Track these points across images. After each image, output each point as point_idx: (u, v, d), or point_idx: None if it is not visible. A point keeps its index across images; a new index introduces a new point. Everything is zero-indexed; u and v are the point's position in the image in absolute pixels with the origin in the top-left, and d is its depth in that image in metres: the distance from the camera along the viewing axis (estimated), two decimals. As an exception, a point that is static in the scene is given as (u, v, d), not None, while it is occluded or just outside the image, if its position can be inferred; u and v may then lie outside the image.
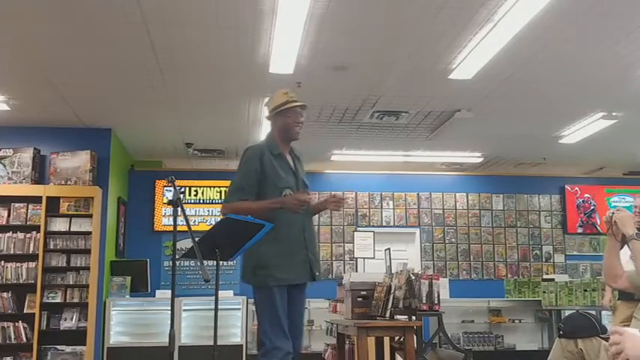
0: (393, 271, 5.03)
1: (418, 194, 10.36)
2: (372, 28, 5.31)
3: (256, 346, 3.59)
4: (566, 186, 10.57)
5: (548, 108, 7.46)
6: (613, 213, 3.00)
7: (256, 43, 5.48)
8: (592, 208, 10.50)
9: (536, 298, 8.98)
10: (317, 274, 3.79)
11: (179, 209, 3.06)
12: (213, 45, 5.61)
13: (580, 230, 10.51)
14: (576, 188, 10.58)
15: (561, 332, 4.13)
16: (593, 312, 5.29)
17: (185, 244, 3.32)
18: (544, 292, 8.32)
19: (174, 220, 3.09)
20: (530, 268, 10.37)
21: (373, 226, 10.00)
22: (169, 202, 3.12)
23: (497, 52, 5.64)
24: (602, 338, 3.95)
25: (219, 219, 3.70)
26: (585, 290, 7.20)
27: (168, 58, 5.89)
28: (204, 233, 3.37)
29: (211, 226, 3.45)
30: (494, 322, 9.11)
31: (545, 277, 9.30)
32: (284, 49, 5.51)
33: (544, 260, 10.43)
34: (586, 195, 10.56)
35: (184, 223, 3.26)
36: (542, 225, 10.56)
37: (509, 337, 9.16)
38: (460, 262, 10.24)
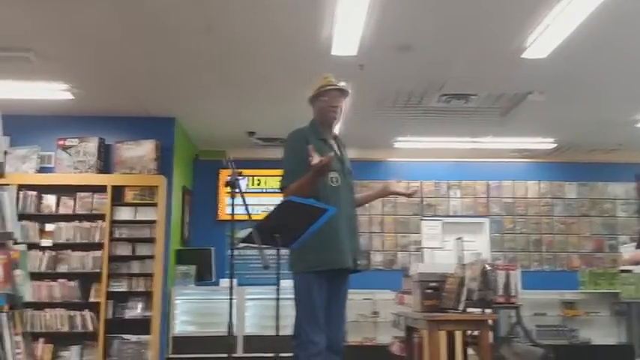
0: (464, 262, 4.80)
1: (487, 183, 10.03)
2: (440, 5, 5.05)
3: (292, 335, 3.47)
4: (643, 173, 10.07)
5: (626, 90, 7.06)
6: None
7: (319, 24, 5.30)
8: (671, 196, 9.96)
9: (613, 291, 8.59)
10: (359, 263, 3.73)
11: (237, 190, 2.93)
12: (274, 28, 5.47)
13: (659, 219, 9.99)
14: (654, 175, 10.07)
15: None
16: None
17: (248, 232, 3.18)
18: (623, 284, 7.93)
19: (232, 201, 2.96)
20: (605, 259, 9.90)
21: (439, 216, 9.75)
22: (227, 184, 3.01)
23: (573, 30, 5.30)
24: None
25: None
26: (668, 282, 6.81)
27: (228, 45, 5.80)
28: (264, 217, 3.23)
29: (267, 212, 3.29)
30: (569, 315, 8.76)
31: (622, 268, 8.87)
32: (347, 29, 5.30)
33: (620, 251, 9.94)
34: (664, 182, 10.04)
35: (244, 210, 3.15)
36: (617, 214, 10.08)
37: (585, 331, 8.80)
38: (531, 253, 9.87)
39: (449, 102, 7.36)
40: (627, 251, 8.39)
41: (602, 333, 8.82)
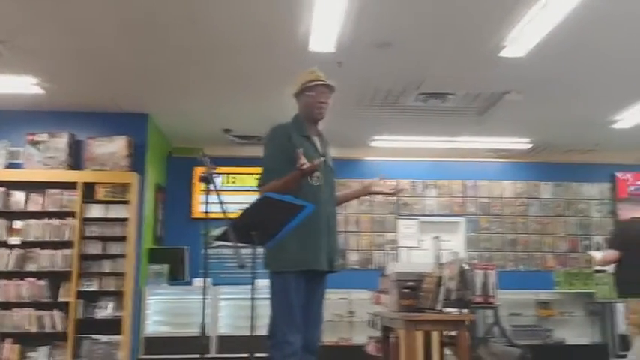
0: (441, 261, 4.75)
1: (464, 182, 10.03)
2: (418, 2, 5.00)
3: (267, 335, 3.41)
4: (616, 174, 10.15)
5: (603, 90, 7.08)
6: None
7: (297, 20, 5.22)
8: (645, 196, 10.05)
9: (588, 290, 8.64)
10: (336, 263, 3.64)
11: (211, 186, 2.84)
12: (252, 24, 5.37)
13: (633, 220, 10.05)
14: (628, 176, 10.15)
15: None
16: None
17: (223, 229, 3.08)
18: (597, 284, 7.96)
19: (206, 199, 2.88)
20: (580, 259, 9.95)
21: (415, 215, 9.72)
22: (202, 179, 2.92)
23: (551, 29, 5.30)
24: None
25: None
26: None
27: (205, 39, 5.69)
28: (240, 214, 3.13)
29: (243, 210, 3.20)
30: (543, 315, 8.77)
31: (597, 268, 8.92)
32: (326, 25, 5.23)
33: (594, 251, 10.01)
34: (638, 183, 10.12)
35: (219, 208, 3.06)
36: (592, 214, 10.14)
37: (559, 331, 8.81)
38: (507, 253, 9.89)
39: (426, 101, 7.33)
40: (596, 256, 8.43)
41: (576, 333, 8.83)
